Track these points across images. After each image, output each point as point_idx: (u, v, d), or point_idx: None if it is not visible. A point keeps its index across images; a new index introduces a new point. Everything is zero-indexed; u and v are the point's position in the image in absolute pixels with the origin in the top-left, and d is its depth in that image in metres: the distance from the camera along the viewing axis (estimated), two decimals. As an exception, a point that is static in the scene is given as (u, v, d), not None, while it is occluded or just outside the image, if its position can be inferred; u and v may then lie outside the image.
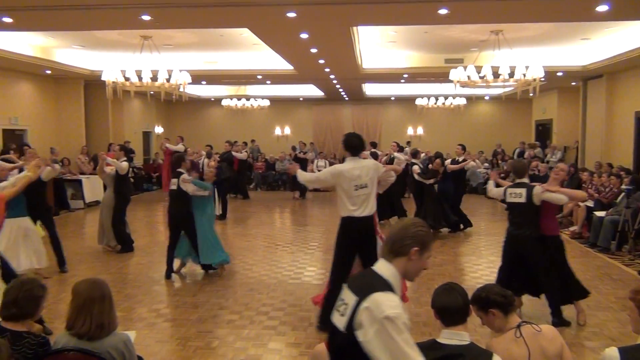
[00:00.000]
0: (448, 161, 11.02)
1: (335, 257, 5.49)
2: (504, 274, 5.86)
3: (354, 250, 5.37)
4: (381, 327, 2.04)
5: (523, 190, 5.62)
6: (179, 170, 7.62)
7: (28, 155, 7.80)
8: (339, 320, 2.21)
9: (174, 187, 7.61)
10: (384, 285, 2.19)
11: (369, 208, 5.32)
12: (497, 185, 6.49)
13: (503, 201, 6.19)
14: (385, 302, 2.07)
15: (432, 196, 10.50)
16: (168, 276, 7.54)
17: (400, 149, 19.16)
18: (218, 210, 12.89)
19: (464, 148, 11.12)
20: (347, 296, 2.23)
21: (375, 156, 10.87)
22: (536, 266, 5.60)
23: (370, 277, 2.27)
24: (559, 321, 5.52)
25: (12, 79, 13.99)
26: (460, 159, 10.99)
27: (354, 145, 5.35)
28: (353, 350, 2.11)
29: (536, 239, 5.59)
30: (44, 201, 7.84)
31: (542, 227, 5.63)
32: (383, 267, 2.28)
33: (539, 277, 5.61)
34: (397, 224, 2.38)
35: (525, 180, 5.77)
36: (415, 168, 10.62)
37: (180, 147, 15.46)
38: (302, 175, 5.60)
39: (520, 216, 5.69)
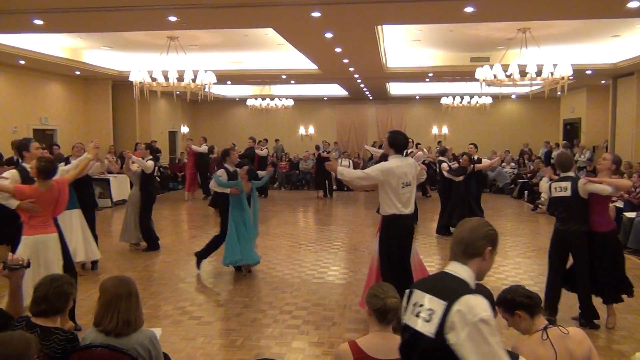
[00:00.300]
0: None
1: (382, 257, 5.39)
2: (556, 278, 5.64)
3: (398, 248, 5.34)
4: (474, 330, 2.02)
5: (568, 184, 5.42)
6: (225, 164, 7.79)
7: (75, 150, 7.92)
8: (425, 326, 2.15)
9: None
10: (469, 288, 2.18)
11: (412, 206, 5.35)
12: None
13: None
14: (479, 305, 2.06)
15: (459, 194, 10.42)
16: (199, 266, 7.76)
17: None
18: None
19: (476, 147, 11.20)
20: (429, 301, 2.18)
21: (384, 157, 10.72)
22: (580, 264, 5.48)
23: (450, 280, 2.23)
24: (586, 322, 5.44)
25: (42, 80, 14.31)
26: (475, 157, 11.02)
27: (399, 142, 5.36)
28: (441, 354, 2.09)
29: (584, 234, 5.41)
30: (91, 197, 8.08)
31: (591, 222, 5.42)
32: (460, 270, 2.26)
33: (579, 273, 5.50)
34: (463, 226, 2.34)
35: (571, 174, 5.56)
36: (444, 165, 10.55)
37: (204, 148, 15.62)
38: (348, 172, 5.42)
39: (566, 211, 5.50)
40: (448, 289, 2.16)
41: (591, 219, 5.43)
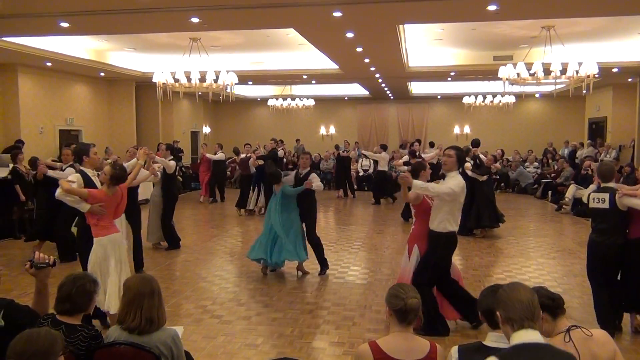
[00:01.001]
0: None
1: (428, 270, 5.34)
2: (601, 294, 5.42)
3: (448, 262, 5.51)
4: None
5: (607, 195, 5.22)
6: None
7: (128, 155, 8.23)
8: None
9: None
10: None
11: None
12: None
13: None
14: None
15: (483, 194, 10.37)
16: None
17: (431, 145, 18.99)
18: (251, 205, 13.08)
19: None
20: None
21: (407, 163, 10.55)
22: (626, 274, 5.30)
23: (551, 352, 2.31)
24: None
25: (68, 81, 14.57)
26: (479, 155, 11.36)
27: (464, 158, 5.56)
28: None
29: (622, 246, 5.22)
30: (135, 203, 7.90)
31: (632, 231, 5.23)
32: (539, 337, 2.37)
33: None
34: (517, 291, 2.46)
35: (612, 185, 5.33)
36: (468, 165, 10.42)
37: (220, 156, 15.53)
38: (433, 188, 5.21)
39: (604, 222, 5.29)
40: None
41: (632, 227, 5.23)
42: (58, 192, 5.27)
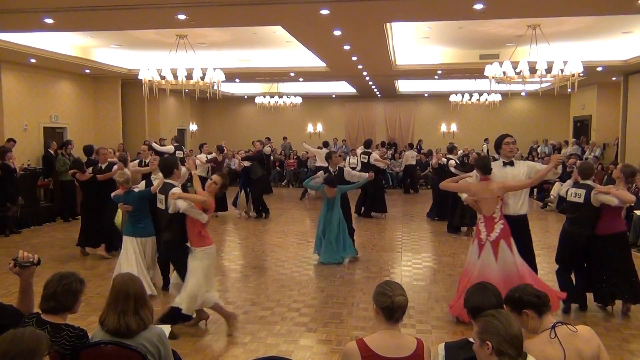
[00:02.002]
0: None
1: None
2: (564, 275, 6.12)
3: None
4: None
5: (583, 192, 5.79)
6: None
7: (189, 161, 8.26)
8: None
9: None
10: None
11: None
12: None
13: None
14: None
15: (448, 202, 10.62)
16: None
17: (411, 146, 19.11)
18: (242, 208, 12.84)
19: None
20: None
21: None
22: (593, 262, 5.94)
23: None
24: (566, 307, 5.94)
25: (53, 78, 14.40)
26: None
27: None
28: None
29: (589, 237, 5.79)
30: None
31: (602, 225, 5.78)
32: None
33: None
34: (513, 324, 2.50)
35: (589, 182, 5.86)
36: (452, 162, 10.58)
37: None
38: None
39: (577, 214, 5.88)
40: None
41: (601, 222, 5.79)
42: (182, 205, 5.12)
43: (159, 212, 5.95)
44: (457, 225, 10.59)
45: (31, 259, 3.08)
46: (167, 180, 5.69)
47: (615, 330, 5.48)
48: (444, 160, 11.36)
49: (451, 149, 11.78)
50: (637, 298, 5.77)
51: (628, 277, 5.73)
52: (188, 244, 5.37)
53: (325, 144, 18.05)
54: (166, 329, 3.29)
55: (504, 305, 2.95)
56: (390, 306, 2.82)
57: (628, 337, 5.32)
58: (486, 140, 20.55)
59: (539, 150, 19.59)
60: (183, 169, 6.69)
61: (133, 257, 6.38)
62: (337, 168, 9.16)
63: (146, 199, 6.55)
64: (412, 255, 8.87)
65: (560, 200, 13.10)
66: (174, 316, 5.22)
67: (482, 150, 19.74)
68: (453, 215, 10.66)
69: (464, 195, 5.92)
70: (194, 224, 5.20)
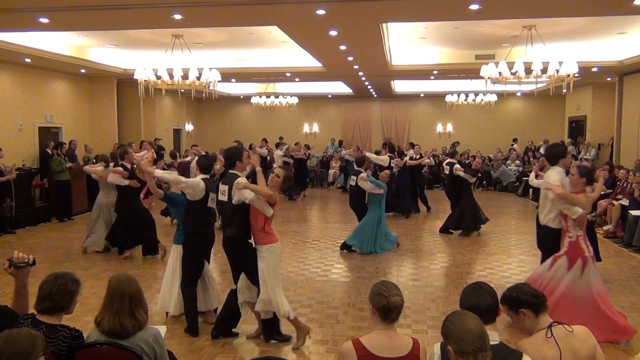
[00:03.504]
0: (406, 157, 13.37)
1: None
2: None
3: None
4: None
5: (448, 167, 7.24)
6: (359, 169, 9.16)
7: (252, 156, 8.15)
8: None
9: (354, 182, 9.19)
10: None
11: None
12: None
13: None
14: None
15: (470, 195, 10.56)
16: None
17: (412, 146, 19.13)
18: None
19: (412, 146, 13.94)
20: None
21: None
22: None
23: None
24: None
25: (48, 78, 14.35)
26: (417, 156, 13.70)
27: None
28: None
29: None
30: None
31: None
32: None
33: None
34: (466, 321, 2.43)
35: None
36: (458, 167, 10.57)
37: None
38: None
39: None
40: None
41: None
42: (248, 195, 4.84)
43: (219, 206, 5.47)
44: (453, 227, 10.56)
45: (26, 260, 3.07)
46: (232, 171, 5.26)
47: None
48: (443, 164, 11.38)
49: (453, 153, 11.46)
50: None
51: None
52: (252, 242, 5.07)
53: (307, 147, 18.04)
54: (162, 329, 3.28)
55: (501, 305, 2.95)
56: (386, 306, 2.82)
57: (623, 336, 5.33)
58: (515, 140, 20.61)
59: (541, 150, 19.56)
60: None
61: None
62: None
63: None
64: (408, 256, 8.88)
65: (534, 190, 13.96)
66: (269, 329, 5.07)
67: (513, 150, 19.82)
68: (451, 216, 10.67)
69: (578, 210, 5.22)
70: (258, 218, 4.90)
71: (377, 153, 13.91)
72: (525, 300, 2.97)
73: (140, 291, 3.10)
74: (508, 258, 8.72)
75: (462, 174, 10.41)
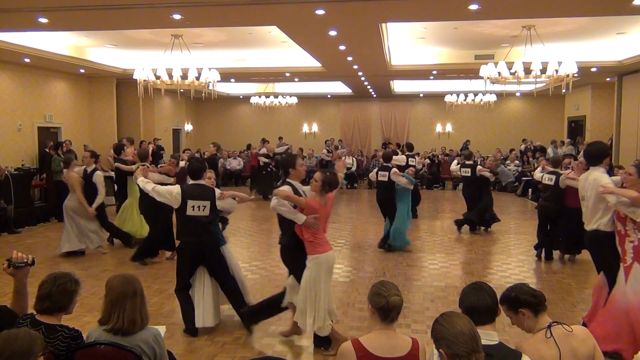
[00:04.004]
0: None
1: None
2: (541, 234, 8.75)
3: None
4: None
5: (554, 177, 8.28)
6: (387, 164, 9.32)
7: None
8: None
9: (383, 178, 9.22)
10: None
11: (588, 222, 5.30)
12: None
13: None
14: None
15: (489, 194, 10.85)
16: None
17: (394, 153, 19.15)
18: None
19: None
20: None
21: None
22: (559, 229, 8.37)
23: None
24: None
25: (47, 78, 14.35)
26: (420, 166, 13.66)
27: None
28: None
29: (557, 210, 8.28)
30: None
31: (568, 201, 7.94)
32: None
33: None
34: (456, 323, 2.39)
35: (557, 170, 8.51)
36: (481, 167, 10.74)
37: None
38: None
39: (549, 193, 8.48)
40: None
41: (568, 198, 7.93)
42: (273, 201, 4.81)
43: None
44: (478, 221, 10.79)
45: (25, 260, 3.06)
46: (288, 180, 5.11)
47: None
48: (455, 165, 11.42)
49: (469, 156, 11.34)
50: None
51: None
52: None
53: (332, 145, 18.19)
54: (162, 329, 3.28)
55: (500, 305, 2.95)
56: (386, 306, 2.82)
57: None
58: (524, 140, 20.63)
59: (549, 151, 19.53)
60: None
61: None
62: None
63: None
64: (407, 255, 8.88)
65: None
66: (317, 339, 4.99)
67: (519, 150, 19.92)
68: (472, 211, 10.83)
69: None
70: (300, 228, 4.76)
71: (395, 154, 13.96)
72: (525, 300, 2.97)
73: (142, 290, 3.12)
74: (507, 258, 8.73)
75: (487, 173, 10.60)
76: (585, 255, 8.78)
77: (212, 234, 5.44)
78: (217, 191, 5.49)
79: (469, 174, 10.77)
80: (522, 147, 20.35)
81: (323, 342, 4.96)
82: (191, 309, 5.41)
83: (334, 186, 4.88)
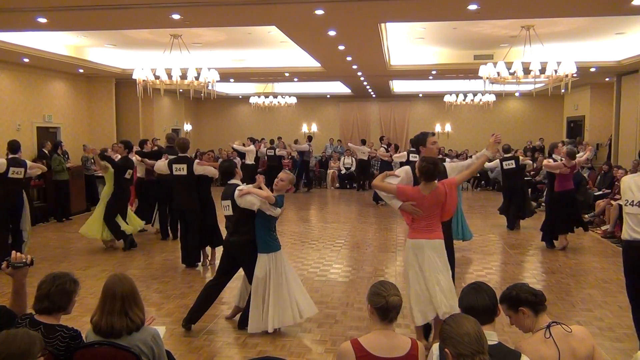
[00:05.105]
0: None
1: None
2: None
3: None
4: None
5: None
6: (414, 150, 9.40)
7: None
8: None
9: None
10: None
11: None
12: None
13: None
14: None
15: (525, 191, 11.50)
16: None
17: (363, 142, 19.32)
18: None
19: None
20: None
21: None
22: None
23: None
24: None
25: (46, 78, 14.33)
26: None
27: None
28: None
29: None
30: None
31: (557, 185, 8.96)
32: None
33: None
34: (463, 324, 2.43)
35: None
36: (523, 157, 11.53)
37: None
38: None
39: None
40: None
41: (557, 182, 8.98)
42: (375, 181, 5.02)
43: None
44: (530, 214, 11.28)
45: (24, 260, 3.06)
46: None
47: (609, 330, 5.51)
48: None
49: (508, 149, 11.52)
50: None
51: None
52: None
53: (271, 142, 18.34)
54: (161, 330, 3.28)
55: (500, 305, 2.96)
56: (385, 306, 2.82)
57: (621, 336, 5.35)
58: (572, 142, 20.58)
59: (564, 149, 19.51)
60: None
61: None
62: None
63: None
64: (406, 255, 8.87)
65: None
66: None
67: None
68: (509, 210, 11.19)
69: None
70: (407, 213, 4.84)
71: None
72: (525, 299, 2.97)
73: (135, 291, 3.06)
74: (507, 258, 8.73)
75: (529, 161, 11.52)
76: (584, 256, 8.81)
77: (240, 234, 5.42)
78: (239, 189, 5.42)
79: (514, 165, 11.00)
80: (537, 143, 20.45)
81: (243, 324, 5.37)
82: (203, 304, 5.56)
83: (433, 177, 4.66)
